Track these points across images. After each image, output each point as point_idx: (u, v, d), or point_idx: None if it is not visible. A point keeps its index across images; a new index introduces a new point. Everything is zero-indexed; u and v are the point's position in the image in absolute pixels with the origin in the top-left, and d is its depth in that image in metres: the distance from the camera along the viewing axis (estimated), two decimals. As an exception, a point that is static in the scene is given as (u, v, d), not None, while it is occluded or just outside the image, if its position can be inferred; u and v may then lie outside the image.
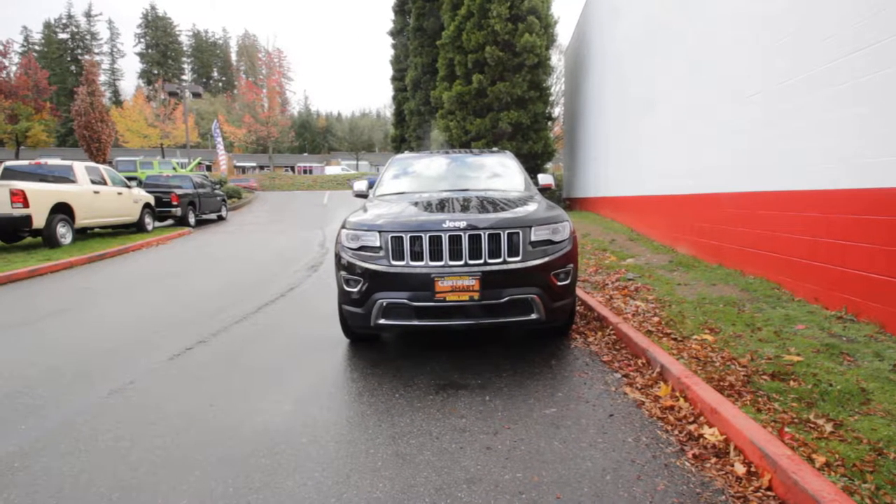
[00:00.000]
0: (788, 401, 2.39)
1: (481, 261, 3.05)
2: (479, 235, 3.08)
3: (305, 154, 61.50)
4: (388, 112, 73.47)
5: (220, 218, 16.86)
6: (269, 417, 2.58)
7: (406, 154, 5.24)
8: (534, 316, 3.11)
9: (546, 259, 3.15)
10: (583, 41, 14.33)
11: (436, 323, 3.10)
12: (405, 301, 3.05)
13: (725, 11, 5.55)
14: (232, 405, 2.76)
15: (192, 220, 14.27)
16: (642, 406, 2.58)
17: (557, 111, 20.27)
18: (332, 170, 48.41)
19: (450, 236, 3.06)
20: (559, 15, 14.45)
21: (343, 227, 3.44)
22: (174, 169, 21.94)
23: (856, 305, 3.51)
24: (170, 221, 14.04)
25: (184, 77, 66.21)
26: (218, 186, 17.17)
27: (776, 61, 4.50)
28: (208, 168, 36.70)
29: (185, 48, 72.10)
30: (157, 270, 7.51)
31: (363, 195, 4.66)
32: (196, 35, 73.29)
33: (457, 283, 2.99)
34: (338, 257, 3.41)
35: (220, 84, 70.89)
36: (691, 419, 2.35)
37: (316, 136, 66.47)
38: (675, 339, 3.44)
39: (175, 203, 13.59)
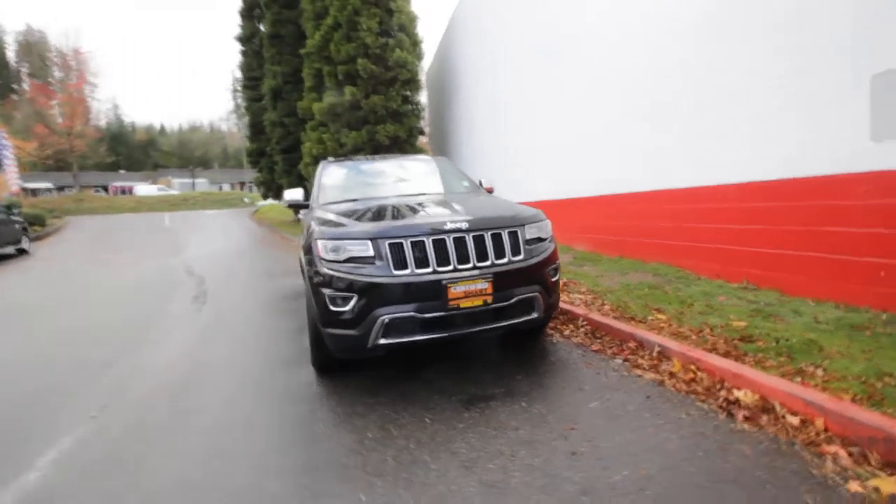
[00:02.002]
0: (773, 357, 2.81)
1: (488, 262, 2.91)
2: (483, 235, 2.94)
3: (122, 171, 51.82)
4: (225, 125, 66.84)
5: (21, 251, 13.08)
6: None
7: (334, 160, 4.77)
8: (534, 315, 3.08)
9: (542, 256, 3.17)
10: (447, 62, 15.16)
11: (445, 334, 2.85)
12: (412, 314, 2.73)
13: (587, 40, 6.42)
14: None
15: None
16: (664, 384, 2.75)
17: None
18: (147, 190, 41.07)
19: (454, 238, 2.86)
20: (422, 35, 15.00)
21: (317, 238, 2.94)
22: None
23: (755, 277, 4.33)
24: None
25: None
26: (16, 212, 13.28)
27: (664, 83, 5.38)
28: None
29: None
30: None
31: (300, 205, 4.09)
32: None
33: (470, 287, 2.80)
34: (314, 275, 2.90)
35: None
36: (718, 387, 2.58)
37: (134, 151, 56.67)
38: (636, 321, 3.77)
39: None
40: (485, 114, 12.05)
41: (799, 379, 2.46)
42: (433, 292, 2.74)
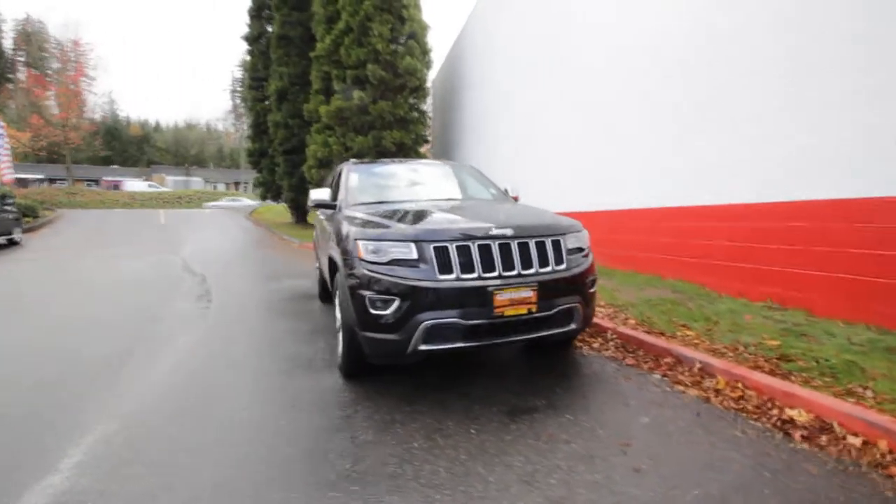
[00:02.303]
0: (816, 376, 2.78)
1: (533, 270, 2.86)
2: (528, 243, 2.89)
3: (115, 166, 51.10)
4: (222, 125, 66.46)
5: (12, 242, 12.77)
6: None
7: (359, 162, 4.70)
8: (573, 326, 3.03)
9: (583, 267, 3.12)
10: (456, 73, 15.25)
11: (486, 342, 2.78)
12: (456, 320, 2.65)
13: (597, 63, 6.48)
14: None
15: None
16: (710, 401, 2.70)
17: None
18: (137, 186, 40.39)
19: (499, 244, 2.80)
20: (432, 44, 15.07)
21: (357, 238, 2.87)
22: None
23: (779, 296, 4.32)
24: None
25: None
26: (10, 202, 12.97)
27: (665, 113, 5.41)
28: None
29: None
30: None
31: (328, 205, 4.01)
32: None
33: (515, 295, 2.74)
34: (351, 277, 2.82)
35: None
36: (769, 405, 2.53)
37: (129, 147, 56.01)
38: (667, 337, 3.73)
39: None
40: (494, 127, 12.08)
41: (852, 399, 2.42)
42: (479, 299, 2.67)
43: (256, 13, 19.40)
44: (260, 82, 19.61)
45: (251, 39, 19.65)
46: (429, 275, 2.68)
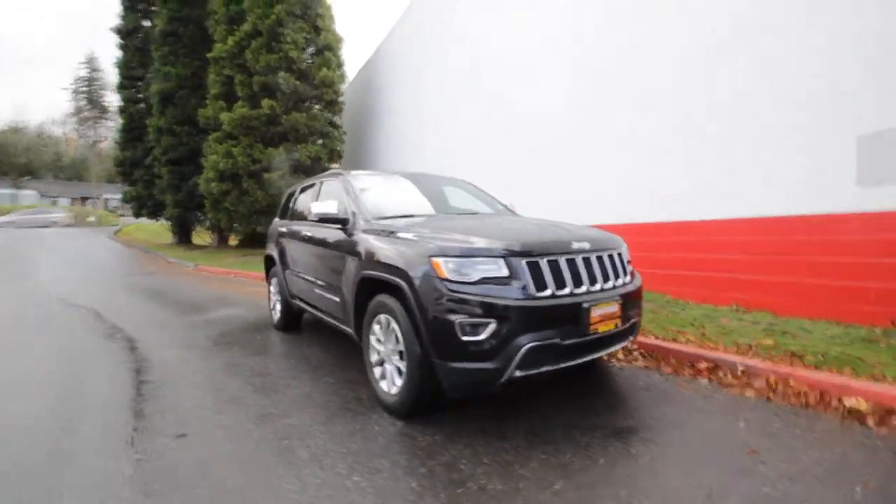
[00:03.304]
0: (843, 368, 3.14)
1: (611, 284, 2.80)
2: (603, 256, 2.83)
3: None
4: (59, 129, 55.75)
5: None
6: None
7: (360, 172, 4.20)
8: (631, 338, 3.04)
9: (640, 279, 3.16)
10: (371, 90, 15.01)
11: (576, 362, 2.62)
12: (556, 340, 2.46)
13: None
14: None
15: None
16: (772, 400, 2.89)
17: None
18: None
19: (582, 258, 2.70)
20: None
21: (431, 256, 2.51)
22: None
23: (743, 301, 4.91)
24: None
25: None
26: None
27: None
28: None
29: None
30: None
31: (339, 220, 3.48)
32: None
33: (605, 310, 2.65)
34: (429, 300, 2.46)
35: None
36: (828, 399, 2.78)
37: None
38: (681, 343, 3.96)
39: None
40: (417, 148, 12.05)
41: (888, 384, 2.79)
42: (575, 316, 2.52)
43: (131, 4, 16.85)
44: (134, 82, 16.96)
45: (125, 33, 16.95)
46: (525, 293, 2.45)
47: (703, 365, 3.45)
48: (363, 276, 3.01)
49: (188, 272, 11.76)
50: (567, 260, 2.61)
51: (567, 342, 2.48)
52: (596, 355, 2.74)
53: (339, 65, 14.59)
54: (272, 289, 5.22)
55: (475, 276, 2.44)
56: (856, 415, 2.61)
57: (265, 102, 12.72)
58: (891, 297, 3.88)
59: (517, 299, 2.41)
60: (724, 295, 5.07)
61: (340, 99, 14.53)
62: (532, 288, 2.46)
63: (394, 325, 2.71)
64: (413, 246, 2.66)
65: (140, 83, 16.51)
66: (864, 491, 1.92)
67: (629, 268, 3.14)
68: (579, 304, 2.53)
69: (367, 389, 3.14)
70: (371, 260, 2.95)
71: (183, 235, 17.40)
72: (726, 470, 2.11)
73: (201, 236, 17.32)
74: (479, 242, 2.56)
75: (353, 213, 3.45)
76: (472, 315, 2.37)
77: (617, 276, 2.86)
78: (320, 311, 3.92)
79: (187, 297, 7.60)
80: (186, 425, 2.67)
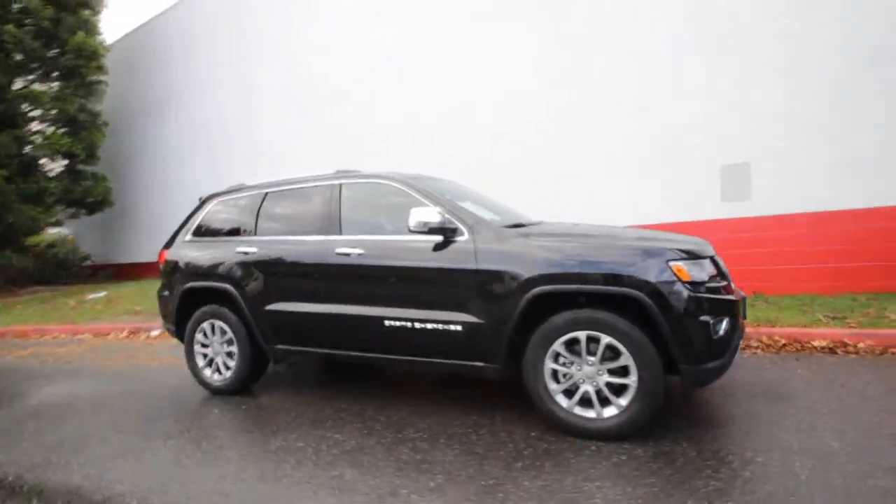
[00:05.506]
0: (885, 325, 3.94)
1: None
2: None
3: None
4: None
5: None
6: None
7: (410, 176, 3.24)
8: None
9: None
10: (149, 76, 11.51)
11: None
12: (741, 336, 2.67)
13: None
14: None
15: None
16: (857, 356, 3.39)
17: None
18: None
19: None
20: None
21: (669, 261, 2.35)
22: None
23: (759, 288, 5.56)
24: None
25: None
26: None
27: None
28: None
29: None
30: None
31: (444, 230, 2.75)
32: None
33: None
34: (680, 304, 2.30)
35: None
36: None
37: None
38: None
39: None
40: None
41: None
42: (742, 307, 2.78)
43: None
44: None
45: None
46: (727, 290, 2.57)
47: (780, 342, 3.77)
48: (538, 292, 2.49)
49: None
50: (712, 259, 2.84)
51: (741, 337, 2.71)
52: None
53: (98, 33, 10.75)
54: (203, 341, 3.52)
55: (705, 276, 2.41)
56: None
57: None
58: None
59: (731, 295, 2.50)
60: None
61: (104, 78, 10.65)
62: (730, 284, 2.59)
63: (607, 341, 2.36)
64: (629, 252, 2.41)
65: None
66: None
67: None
68: (743, 297, 2.80)
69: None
70: (552, 274, 2.48)
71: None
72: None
73: None
74: (685, 245, 2.55)
75: (478, 221, 2.79)
76: (717, 314, 2.34)
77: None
78: (394, 351, 2.94)
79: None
80: None
